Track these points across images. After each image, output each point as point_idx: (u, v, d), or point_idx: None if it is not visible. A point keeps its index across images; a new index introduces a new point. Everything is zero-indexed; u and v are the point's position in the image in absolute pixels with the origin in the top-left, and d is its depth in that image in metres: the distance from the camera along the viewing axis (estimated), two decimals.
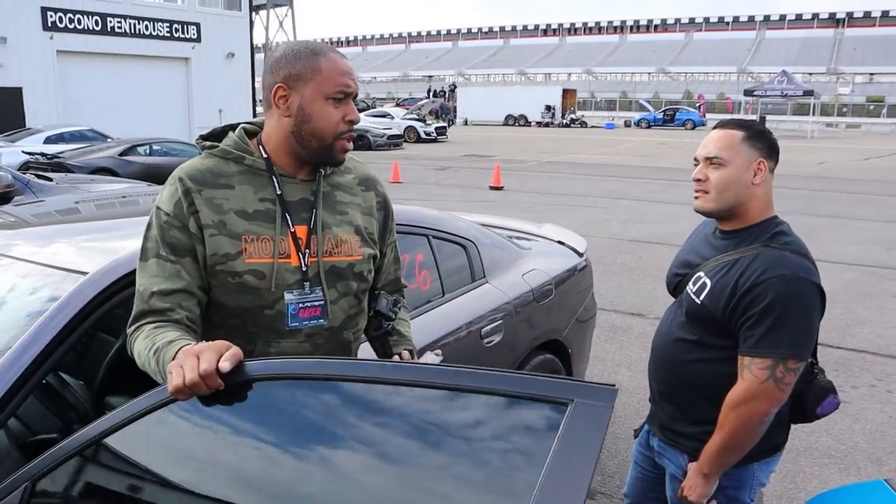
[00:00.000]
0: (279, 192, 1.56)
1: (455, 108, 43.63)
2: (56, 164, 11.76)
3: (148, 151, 13.59)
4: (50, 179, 7.70)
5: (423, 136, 29.19)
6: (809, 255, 1.89)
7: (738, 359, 1.86)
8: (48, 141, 15.31)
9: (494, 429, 1.06)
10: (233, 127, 1.66)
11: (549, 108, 47.33)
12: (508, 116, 48.26)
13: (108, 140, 15.51)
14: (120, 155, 12.97)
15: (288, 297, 1.55)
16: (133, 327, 1.49)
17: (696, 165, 1.98)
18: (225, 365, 1.16)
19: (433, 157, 22.80)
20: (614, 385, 1.01)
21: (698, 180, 1.94)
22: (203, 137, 1.65)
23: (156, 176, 11.45)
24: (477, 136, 34.42)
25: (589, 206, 12.58)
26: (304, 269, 1.56)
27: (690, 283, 1.99)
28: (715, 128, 2.01)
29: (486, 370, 1.07)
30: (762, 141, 1.92)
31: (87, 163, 12.35)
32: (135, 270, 1.87)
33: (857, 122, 50.69)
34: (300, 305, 1.56)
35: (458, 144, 28.64)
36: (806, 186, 15.07)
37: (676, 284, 2.11)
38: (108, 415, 1.27)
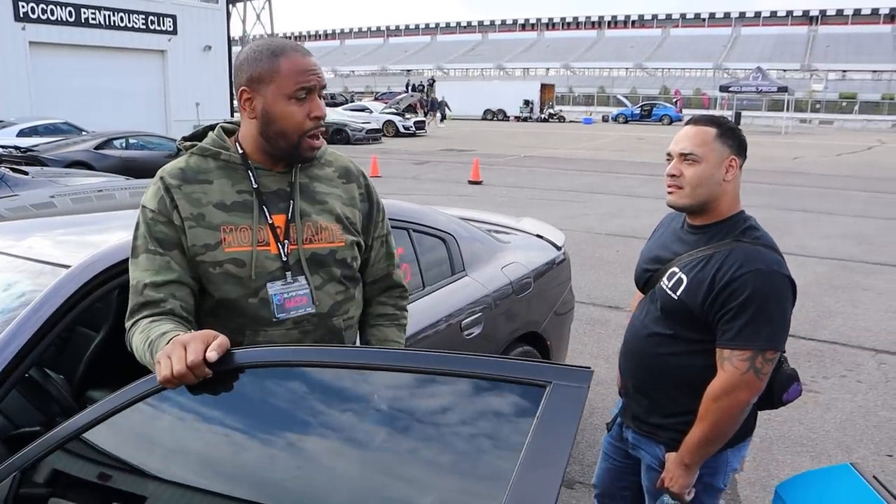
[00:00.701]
0: (255, 185, 1.61)
1: (434, 102, 42.58)
2: (30, 158, 11.59)
3: (124, 145, 13.45)
4: (26, 173, 7.60)
5: (401, 130, 29.13)
6: (778, 249, 1.95)
7: (717, 351, 1.90)
8: (21, 134, 15.07)
9: (475, 411, 1.11)
10: (213, 127, 1.71)
11: (527, 102, 47.44)
12: (487, 111, 48.33)
13: (84, 133, 15.32)
14: (96, 148, 12.83)
15: (271, 289, 1.58)
16: (130, 322, 1.53)
17: (668, 161, 2.01)
18: (212, 355, 1.19)
19: (412, 151, 22.79)
20: (589, 367, 1.05)
21: (672, 175, 1.97)
22: (185, 139, 1.70)
23: (132, 170, 11.35)
24: (455, 131, 34.42)
25: (567, 200, 12.66)
26: (283, 258, 1.59)
27: (665, 279, 2.01)
28: (687, 123, 2.04)
29: (467, 355, 1.11)
30: (733, 138, 1.96)
31: (63, 156, 12.19)
32: (115, 264, 1.91)
33: (830, 119, 51.39)
34: (285, 296, 1.59)
35: (436, 139, 28.64)
36: (780, 182, 15.29)
37: (647, 280, 2.14)
38: (98, 403, 1.29)
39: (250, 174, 1.61)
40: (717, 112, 40.89)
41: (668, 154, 2.00)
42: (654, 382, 2.07)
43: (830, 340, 5.61)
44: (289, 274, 1.59)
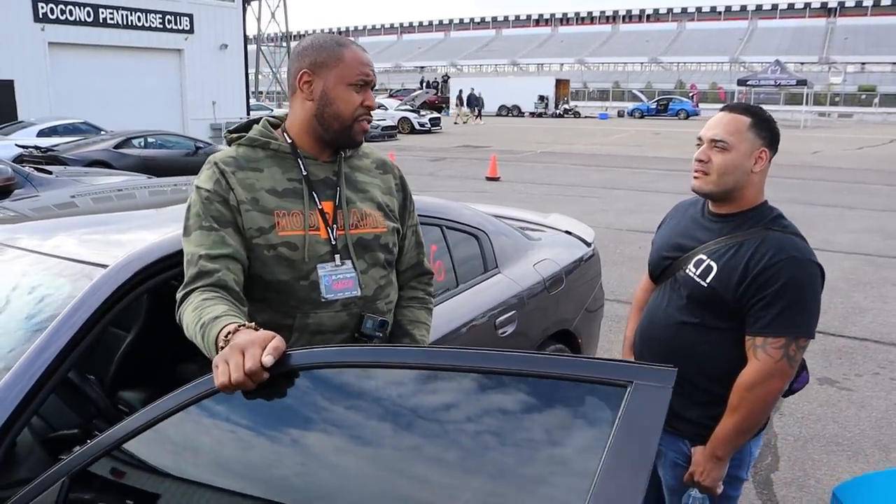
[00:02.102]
0: (304, 173, 1.69)
1: (472, 98, 39.95)
2: (50, 158, 11.63)
3: (143, 144, 13.49)
4: (49, 172, 7.63)
5: (417, 127, 29.11)
6: (805, 238, 1.95)
7: (747, 339, 1.88)
8: (41, 134, 15.13)
9: (556, 411, 1.06)
10: (256, 121, 1.78)
11: (542, 98, 47.22)
12: (502, 107, 48.12)
13: (102, 133, 15.37)
14: (115, 148, 12.86)
15: (321, 270, 1.66)
16: (183, 292, 1.56)
17: (698, 145, 1.98)
18: (268, 360, 1.17)
19: (428, 147, 22.75)
20: (674, 367, 1.00)
21: (700, 161, 1.95)
22: (230, 131, 1.78)
23: (151, 168, 11.37)
24: (471, 127, 34.35)
25: (585, 196, 12.59)
26: (332, 241, 1.68)
27: (691, 266, 1.98)
28: (722, 110, 2.01)
29: (546, 354, 1.08)
30: (767, 130, 1.94)
31: (82, 156, 12.23)
32: (151, 264, 1.89)
33: (849, 112, 50.76)
34: (333, 278, 1.67)
35: (452, 135, 28.58)
36: (801, 176, 15.11)
37: (665, 268, 2.10)
38: (149, 406, 1.26)
39: (300, 162, 1.70)
40: None
41: (699, 138, 1.98)
42: (684, 373, 2.01)
43: (861, 337, 5.52)
44: (337, 257, 1.68)
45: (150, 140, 13.73)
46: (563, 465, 1.02)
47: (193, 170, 12.47)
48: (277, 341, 1.20)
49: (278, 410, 1.21)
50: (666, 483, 2.15)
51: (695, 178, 1.97)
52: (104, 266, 1.88)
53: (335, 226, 1.69)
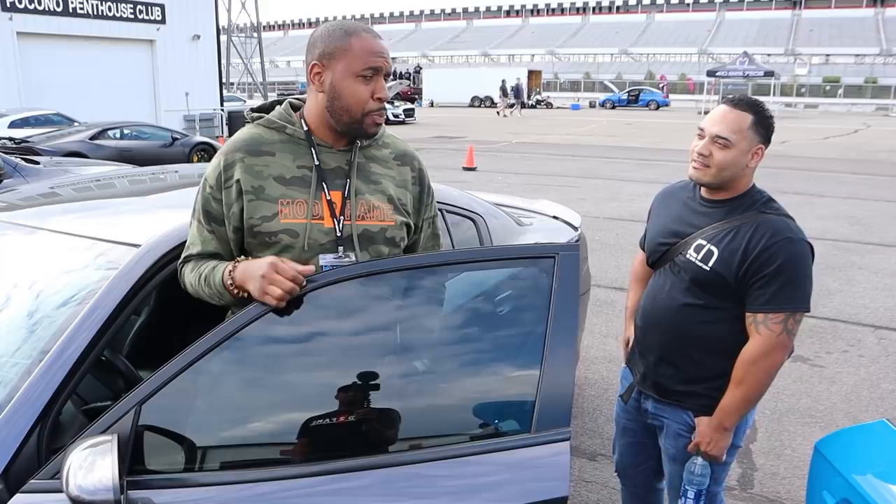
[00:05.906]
0: (317, 162, 1.68)
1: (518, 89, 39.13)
2: (25, 149, 11.51)
3: (119, 135, 13.41)
4: (37, 163, 7.59)
5: (391, 118, 29.11)
6: (793, 219, 2.08)
7: (748, 316, 2.00)
8: (13, 125, 14.92)
9: (519, 279, 1.70)
10: (280, 101, 1.79)
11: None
12: (474, 98, 48.28)
13: (76, 124, 15.23)
14: (91, 139, 12.78)
15: (322, 260, 1.66)
16: (180, 266, 1.79)
17: (699, 136, 2.06)
18: (300, 278, 1.48)
19: (403, 138, 22.64)
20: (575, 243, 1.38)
21: (702, 154, 2.03)
22: (253, 110, 1.79)
23: (128, 160, 11.32)
24: (444, 118, 34.40)
25: (562, 185, 12.77)
26: (338, 232, 1.67)
27: (692, 251, 2.08)
28: (726, 103, 2.07)
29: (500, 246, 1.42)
30: (766, 128, 2.04)
31: (58, 147, 12.13)
32: (179, 245, 1.99)
33: (814, 103, 51.72)
34: (335, 268, 1.67)
35: (426, 126, 28.62)
36: (771, 165, 15.39)
37: (663, 253, 2.19)
38: (204, 336, 1.46)
39: (313, 151, 1.70)
40: (703, 97, 41.10)
41: (700, 129, 2.06)
42: (683, 351, 2.14)
43: (831, 318, 5.77)
44: (341, 248, 1.67)
45: (126, 131, 13.66)
46: (534, 303, 1.62)
47: (170, 161, 12.35)
48: (298, 265, 1.52)
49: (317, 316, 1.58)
50: (667, 452, 2.26)
51: (694, 168, 2.06)
52: (136, 245, 1.97)
53: (342, 217, 1.68)
